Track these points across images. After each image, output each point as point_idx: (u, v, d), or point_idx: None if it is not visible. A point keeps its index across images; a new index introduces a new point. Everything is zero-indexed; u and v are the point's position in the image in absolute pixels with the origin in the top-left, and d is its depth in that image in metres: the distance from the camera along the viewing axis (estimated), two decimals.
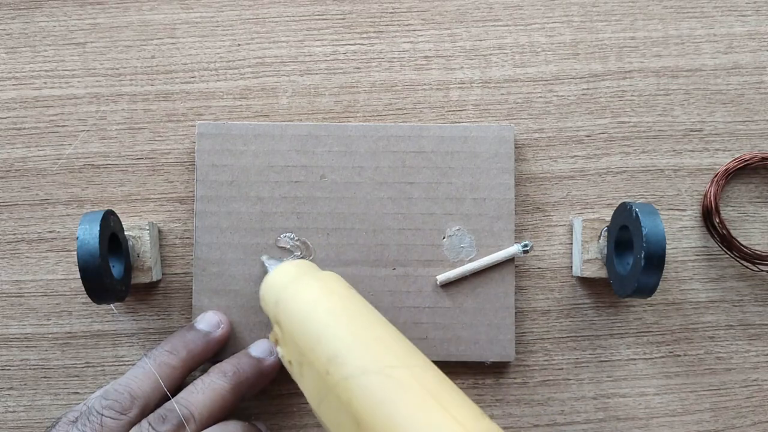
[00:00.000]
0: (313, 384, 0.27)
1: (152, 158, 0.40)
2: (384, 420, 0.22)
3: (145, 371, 0.34)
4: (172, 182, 0.40)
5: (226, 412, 0.34)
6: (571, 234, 0.40)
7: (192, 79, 0.40)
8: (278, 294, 0.31)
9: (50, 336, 0.39)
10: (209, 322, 0.37)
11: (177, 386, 0.34)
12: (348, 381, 0.24)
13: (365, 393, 0.24)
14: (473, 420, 0.22)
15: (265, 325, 0.38)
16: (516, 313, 0.39)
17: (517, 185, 0.40)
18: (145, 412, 0.32)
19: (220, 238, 0.38)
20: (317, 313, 0.28)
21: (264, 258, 0.38)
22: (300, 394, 0.39)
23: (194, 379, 0.35)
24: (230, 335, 0.37)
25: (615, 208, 0.37)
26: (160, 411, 0.32)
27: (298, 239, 0.38)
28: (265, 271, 0.37)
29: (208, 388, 0.33)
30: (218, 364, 0.35)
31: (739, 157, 0.40)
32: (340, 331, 0.27)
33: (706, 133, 0.40)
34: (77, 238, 0.32)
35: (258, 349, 0.37)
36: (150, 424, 0.31)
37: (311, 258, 0.38)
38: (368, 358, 0.25)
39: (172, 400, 0.33)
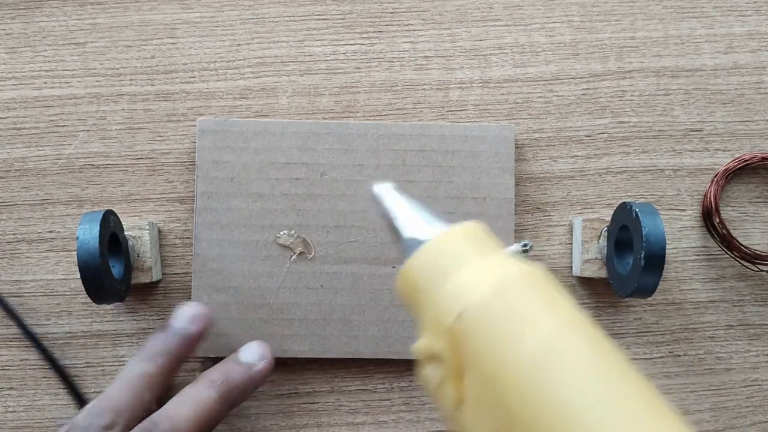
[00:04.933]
0: None
1: (152, 158, 0.40)
2: None
3: (125, 385, 0.32)
4: (172, 182, 0.40)
5: (213, 422, 0.33)
6: (571, 234, 0.40)
7: (192, 79, 0.40)
8: (466, 303, 0.21)
9: (50, 336, 0.39)
10: (185, 317, 0.35)
11: (162, 391, 0.33)
12: None
13: None
14: None
15: (264, 323, 0.38)
16: None
17: (517, 185, 0.40)
18: (129, 426, 0.31)
19: (220, 235, 0.38)
20: (560, 373, 0.19)
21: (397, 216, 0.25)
22: (300, 394, 0.39)
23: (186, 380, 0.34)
24: (208, 328, 0.35)
25: (615, 208, 0.37)
26: (144, 425, 0.31)
27: (298, 236, 0.38)
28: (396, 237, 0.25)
29: (195, 400, 0.32)
30: (206, 372, 0.34)
31: (739, 157, 0.40)
32: (593, 398, 0.18)
33: (706, 133, 0.40)
34: (77, 238, 0.32)
35: (248, 353, 0.36)
36: None
37: (311, 256, 0.38)
38: None
39: (156, 414, 0.32)
